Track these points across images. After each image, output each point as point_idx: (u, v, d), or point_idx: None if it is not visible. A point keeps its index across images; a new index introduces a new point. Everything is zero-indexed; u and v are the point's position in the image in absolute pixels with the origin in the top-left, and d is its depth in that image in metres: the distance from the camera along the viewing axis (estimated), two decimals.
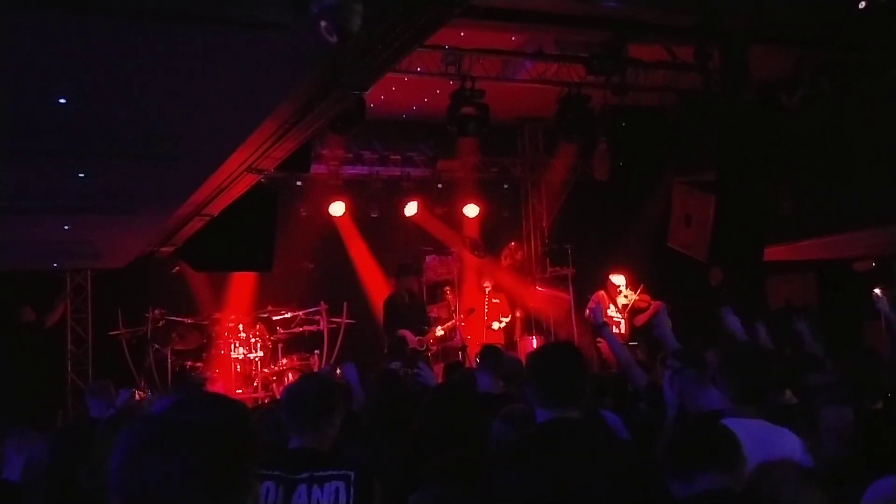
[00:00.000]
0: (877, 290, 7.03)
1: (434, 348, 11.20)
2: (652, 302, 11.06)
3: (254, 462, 1.59)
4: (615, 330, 10.97)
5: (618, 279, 11.39)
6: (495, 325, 12.33)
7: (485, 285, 12.66)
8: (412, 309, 11.24)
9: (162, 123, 5.26)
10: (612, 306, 11.30)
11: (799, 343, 6.20)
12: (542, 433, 3.18)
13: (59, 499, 3.13)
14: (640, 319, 11.22)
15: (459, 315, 11.92)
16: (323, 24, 3.62)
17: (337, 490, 3.28)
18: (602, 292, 11.39)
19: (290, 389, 3.71)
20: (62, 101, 4.67)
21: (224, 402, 1.66)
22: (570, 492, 2.90)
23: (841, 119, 10.04)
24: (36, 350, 11.28)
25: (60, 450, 4.30)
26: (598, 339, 11.54)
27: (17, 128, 5.05)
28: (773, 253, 10.60)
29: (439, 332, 11.49)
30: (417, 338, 10.91)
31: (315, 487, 3.29)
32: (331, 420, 3.50)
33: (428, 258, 12.61)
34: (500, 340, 12.10)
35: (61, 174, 6.08)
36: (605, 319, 10.98)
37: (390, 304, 11.26)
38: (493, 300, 12.58)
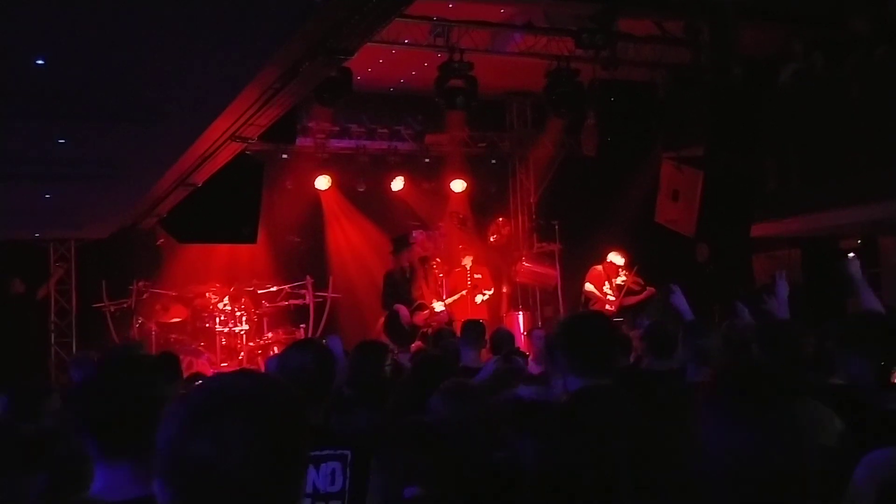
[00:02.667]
0: (851, 254, 6.99)
1: (433, 324, 11.14)
2: (646, 287, 11.14)
3: (308, 438, 1.49)
4: (607, 307, 11.07)
5: (618, 259, 11.44)
6: (478, 298, 12.29)
7: (464, 262, 12.61)
8: (411, 284, 11.26)
9: (143, 87, 5.17)
10: (607, 283, 11.33)
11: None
12: (576, 400, 3.25)
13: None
14: (632, 300, 11.27)
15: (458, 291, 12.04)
16: None
17: (333, 471, 3.18)
18: (599, 268, 11.43)
19: (286, 362, 3.52)
20: (40, 62, 4.58)
21: (272, 378, 1.58)
22: (602, 457, 2.91)
23: (829, 96, 10.00)
24: (24, 322, 11.22)
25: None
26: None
27: None
28: (759, 229, 10.59)
29: (439, 307, 11.46)
30: (423, 313, 11.02)
31: (311, 468, 3.14)
32: (328, 393, 3.42)
33: (415, 233, 12.55)
34: (483, 315, 12.09)
35: (40, 139, 5.98)
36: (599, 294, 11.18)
37: (388, 279, 11.31)
38: (476, 275, 12.56)
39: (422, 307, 11.13)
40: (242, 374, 1.53)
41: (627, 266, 11.46)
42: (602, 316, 3.76)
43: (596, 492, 2.82)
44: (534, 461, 2.95)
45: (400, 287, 11.16)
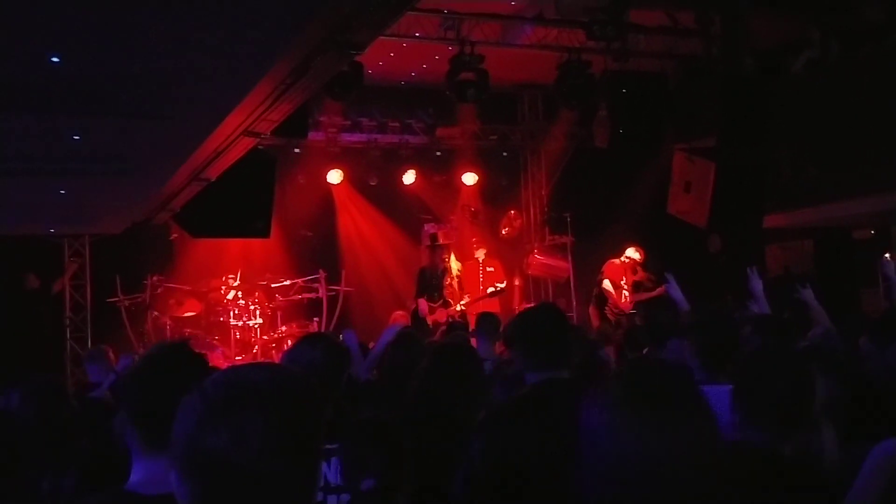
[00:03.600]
0: (887, 255, 7.00)
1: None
2: (659, 283, 11.17)
3: (324, 430, 1.48)
4: (623, 302, 11.16)
5: (635, 255, 11.48)
6: (490, 290, 12.33)
7: (476, 255, 12.64)
8: (442, 281, 11.49)
9: (156, 83, 5.20)
10: (623, 279, 11.38)
11: (801, 310, 6.17)
12: (532, 393, 3.20)
13: None
14: (644, 296, 11.30)
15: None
16: None
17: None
18: (617, 262, 11.46)
19: (296, 356, 3.53)
20: (55, 59, 4.61)
21: (288, 369, 1.57)
22: (561, 451, 2.89)
23: (842, 86, 9.96)
24: (39, 317, 11.32)
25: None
26: (591, 307, 11.68)
27: (8, 88, 4.99)
28: (772, 220, 10.57)
29: (461, 306, 11.56)
30: (447, 310, 11.22)
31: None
32: (339, 387, 3.43)
33: (426, 226, 12.58)
34: (495, 308, 12.14)
35: (55, 136, 6.03)
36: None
37: (421, 274, 11.57)
38: (488, 268, 12.59)
39: (447, 304, 11.26)
40: (258, 366, 1.53)
41: (643, 262, 11.48)
42: (555, 308, 3.68)
43: (542, 486, 2.81)
44: (480, 455, 2.97)
45: (431, 283, 11.33)
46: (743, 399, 2.56)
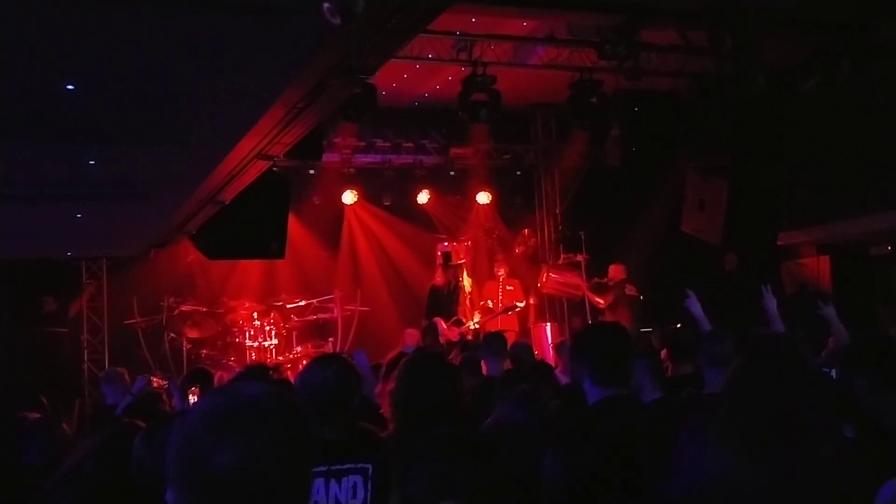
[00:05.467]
0: None
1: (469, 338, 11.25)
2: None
3: (313, 444, 1.50)
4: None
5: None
6: (503, 308, 12.34)
7: (499, 273, 12.67)
8: (454, 299, 11.56)
9: (169, 110, 5.26)
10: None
11: (818, 328, 6.15)
12: (600, 411, 3.28)
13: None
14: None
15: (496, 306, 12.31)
16: (326, 5, 3.61)
17: (355, 485, 3.24)
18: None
19: (308, 378, 3.52)
20: (70, 87, 4.68)
21: (274, 388, 1.57)
22: (625, 466, 2.93)
23: (855, 103, 9.94)
24: (57, 340, 11.42)
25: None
26: None
27: (24, 114, 5.06)
28: (787, 237, 10.53)
29: (473, 324, 11.60)
30: (459, 329, 11.29)
31: (333, 482, 3.22)
32: (350, 408, 3.42)
33: (439, 245, 12.62)
34: (514, 327, 12.17)
35: (71, 161, 6.10)
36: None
37: (433, 292, 11.63)
38: (507, 287, 12.61)
39: (459, 322, 11.29)
40: (248, 384, 1.54)
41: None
42: (619, 326, 3.75)
43: (621, 501, 2.84)
44: (558, 473, 2.97)
45: (443, 301, 11.34)
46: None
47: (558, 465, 3.00)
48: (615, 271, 11.93)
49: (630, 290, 11.82)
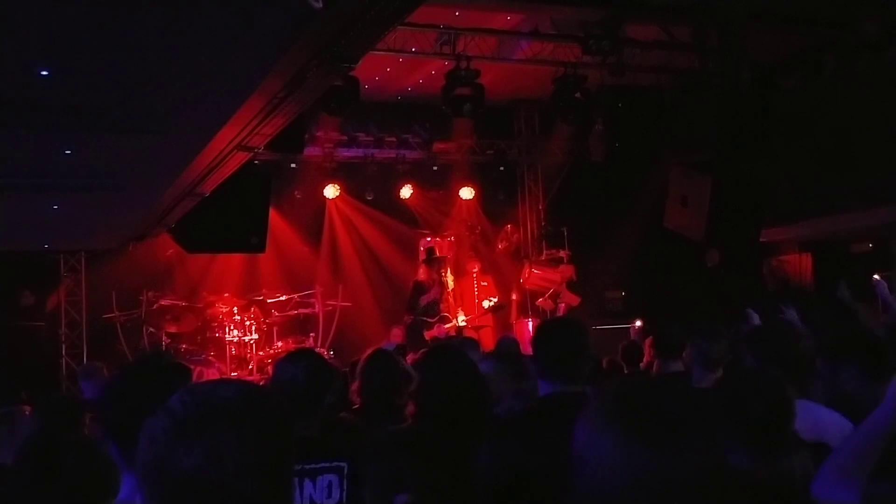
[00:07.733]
0: (876, 276, 6.99)
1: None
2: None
3: (294, 445, 1.45)
4: None
5: None
6: (485, 304, 12.29)
7: (473, 271, 12.65)
8: (438, 295, 11.49)
9: (148, 97, 5.18)
10: None
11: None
12: (542, 407, 3.21)
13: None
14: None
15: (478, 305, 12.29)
16: None
17: (330, 483, 3.17)
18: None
19: (279, 374, 3.44)
20: (44, 73, 4.59)
21: (254, 386, 1.53)
22: (564, 466, 2.86)
23: (839, 99, 9.95)
24: (35, 334, 11.28)
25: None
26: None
27: None
28: (769, 234, 10.54)
29: (461, 321, 11.56)
30: (446, 327, 11.25)
31: (307, 481, 3.15)
32: (322, 404, 3.32)
33: (422, 240, 12.56)
34: (489, 322, 12.22)
35: (47, 150, 6.00)
36: None
37: (417, 287, 11.50)
38: (482, 283, 12.63)
39: (444, 319, 11.23)
40: (224, 382, 1.49)
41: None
42: (578, 322, 3.64)
43: (547, 501, 2.76)
44: (487, 466, 2.92)
45: (426, 298, 11.35)
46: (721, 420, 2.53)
47: (488, 457, 2.95)
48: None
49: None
